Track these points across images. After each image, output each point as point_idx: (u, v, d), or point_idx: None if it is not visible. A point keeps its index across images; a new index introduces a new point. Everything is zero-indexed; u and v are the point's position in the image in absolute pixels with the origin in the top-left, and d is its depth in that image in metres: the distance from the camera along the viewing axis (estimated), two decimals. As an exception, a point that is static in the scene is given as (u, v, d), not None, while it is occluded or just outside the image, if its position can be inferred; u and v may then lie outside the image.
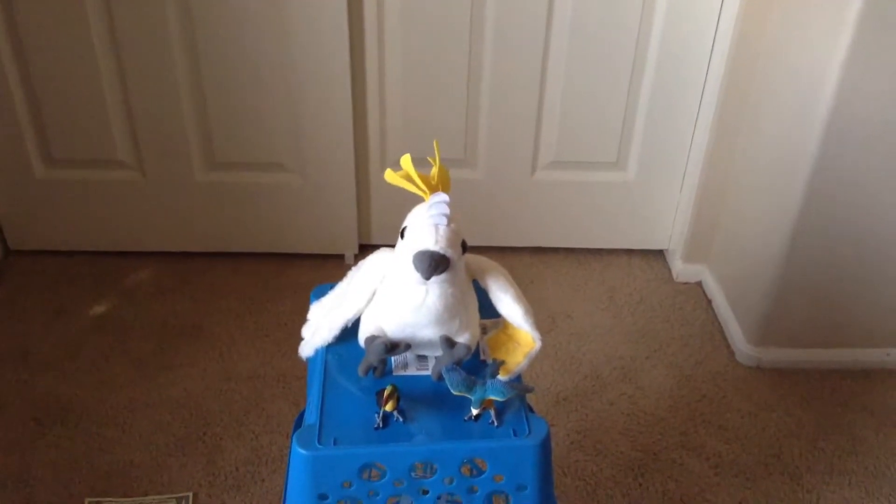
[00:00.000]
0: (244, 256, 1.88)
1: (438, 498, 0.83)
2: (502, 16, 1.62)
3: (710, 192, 1.76)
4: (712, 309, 1.78)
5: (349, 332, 0.91)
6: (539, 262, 1.91)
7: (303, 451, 0.78)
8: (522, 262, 1.91)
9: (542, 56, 1.67)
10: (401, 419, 0.82)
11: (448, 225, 0.81)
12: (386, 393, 0.81)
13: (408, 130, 1.75)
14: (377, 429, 0.82)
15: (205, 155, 1.75)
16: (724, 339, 1.70)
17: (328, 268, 1.86)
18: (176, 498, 1.31)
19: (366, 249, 1.89)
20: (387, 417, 0.82)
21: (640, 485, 1.38)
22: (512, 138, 1.77)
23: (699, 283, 1.86)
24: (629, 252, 1.95)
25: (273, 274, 1.84)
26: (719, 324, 1.74)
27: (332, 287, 0.98)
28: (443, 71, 1.68)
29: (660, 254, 1.95)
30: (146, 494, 1.32)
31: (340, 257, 1.88)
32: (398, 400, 0.82)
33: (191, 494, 1.32)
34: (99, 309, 1.72)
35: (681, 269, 1.86)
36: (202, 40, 1.61)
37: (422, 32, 1.63)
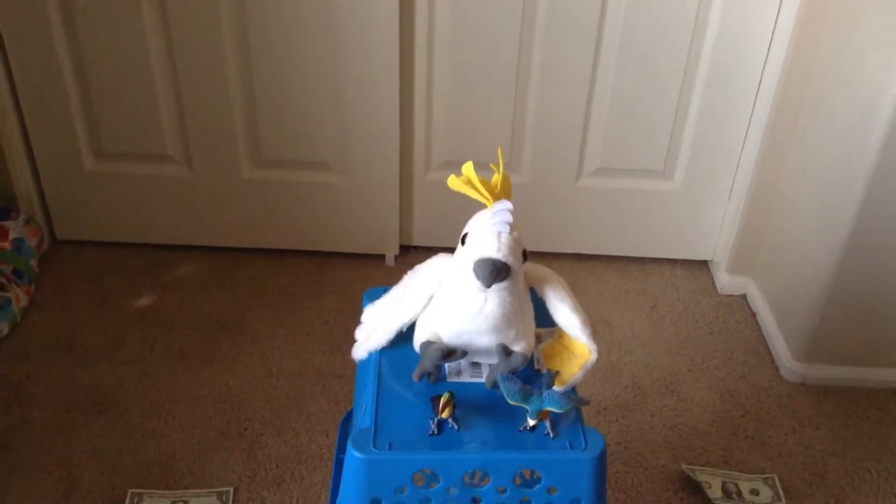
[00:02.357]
0: (287, 253, 1.89)
1: (490, 507, 0.82)
2: (553, 20, 1.61)
3: (759, 204, 1.73)
4: (757, 323, 1.76)
5: (403, 336, 0.91)
6: (580, 269, 1.90)
7: (359, 455, 0.78)
8: (563, 268, 1.89)
9: (591, 62, 1.66)
10: (455, 426, 0.82)
11: (510, 233, 0.81)
12: (443, 400, 0.81)
13: (453, 133, 1.74)
14: (432, 435, 0.81)
15: (252, 152, 1.76)
16: (769, 353, 1.68)
17: (369, 268, 1.86)
18: (217, 492, 1.31)
19: (407, 251, 1.89)
20: (441, 424, 0.82)
21: (681, 499, 1.36)
22: (558, 144, 1.76)
23: (743, 296, 1.83)
24: (672, 262, 1.93)
25: (314, 272, 1.84)
26: (763, 338, 1.72)
27: (385, 290, 0.98)
28: (490, 74, 1.67)
29: (704, 265, 1.93)
30: (187, 488, 1.33)
31: (381, 257, 1.88)
32: (454, 407, 0.81)
33: (231, 489, 1.32)
34: (143, 301, 1.74)
35: (725, 281, 1.83)
36: (253, 40, 1.62)
37: (472, 35, 1.63)
